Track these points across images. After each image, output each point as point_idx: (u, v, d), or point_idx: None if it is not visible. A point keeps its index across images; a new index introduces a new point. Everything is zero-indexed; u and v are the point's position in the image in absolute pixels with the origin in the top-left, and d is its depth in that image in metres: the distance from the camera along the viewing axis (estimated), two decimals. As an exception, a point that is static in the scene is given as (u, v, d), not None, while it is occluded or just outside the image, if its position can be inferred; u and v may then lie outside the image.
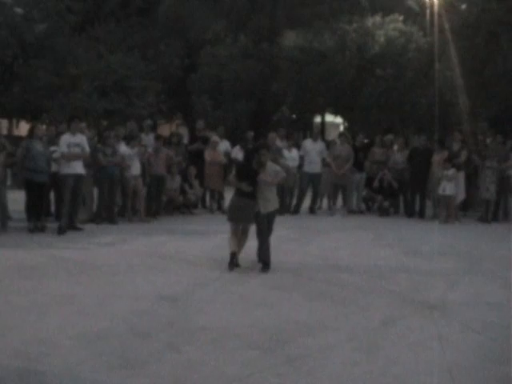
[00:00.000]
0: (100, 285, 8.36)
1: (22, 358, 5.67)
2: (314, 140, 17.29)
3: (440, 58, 22.87)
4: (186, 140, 17.73)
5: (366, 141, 19.37)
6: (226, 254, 9.51)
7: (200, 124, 18.02)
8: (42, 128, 13.74)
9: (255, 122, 26.49)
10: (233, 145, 17.10)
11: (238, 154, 16.17)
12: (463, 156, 15.87)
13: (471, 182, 16.26)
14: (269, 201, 9.57)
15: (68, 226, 12.49)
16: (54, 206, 13.84)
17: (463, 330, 6.82)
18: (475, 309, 7.67)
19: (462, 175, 15.71)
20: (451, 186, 15.19)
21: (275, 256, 9.75)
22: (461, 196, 15.74)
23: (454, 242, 12.64)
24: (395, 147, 17.27)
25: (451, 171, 15.20)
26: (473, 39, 21.31)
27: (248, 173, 9.51)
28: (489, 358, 5.95)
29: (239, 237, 9.64)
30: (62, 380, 5.24)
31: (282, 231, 12.58)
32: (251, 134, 17.01)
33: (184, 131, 18.34)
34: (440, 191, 15.29)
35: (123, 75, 25.04)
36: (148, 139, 15.73)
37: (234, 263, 9.36)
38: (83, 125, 14.34)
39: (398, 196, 16.81)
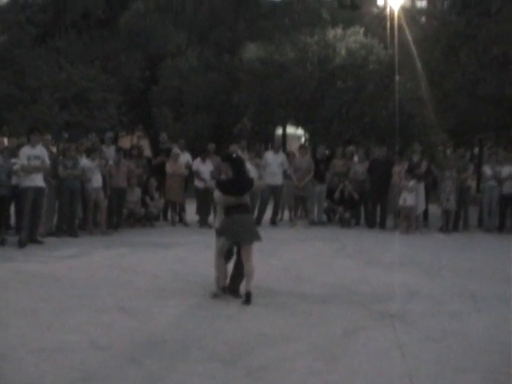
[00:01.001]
0: (61, 298, 8.29)
1: (-20, 373, 5.60)
2: (276, 152, 17.34)
3: (400, 70, 23.13)
4: (147, 152, 17.70)
5: (327, 152, 19.50)
6: (186, 267, 9.51)
7: (163, 137, 18.01)
8: (3, 140, 13.60)
9: (216, 133, 26.51)
10: (194, 157, 17.08)
11: (199, 166, 16.15)
12: (423, 167, 16.05)
13: (429, 192, 16.47)
14: None
15: (28, 239, 12.35)
16: (14, 219, 13.69)
17: (423, 339, 6.88)
18: (435, 318, 7.75)
19: (422, 186, 15.87)
20: (412, 196, 15.35)
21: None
22: (421, 206, 15.90)
23: (415, 252, 12.76)
24: (356, 159, 17.40)
25: (411, 182, 15.36)
26: (432, 52, 21.63)
27: (244, 184, 8.44)
28: (449, 367, 6.01)
29: (241, 264, 8.42)
30: (22, 395, 5.19)
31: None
32: (212, 145, 17.01)
33: (145, 143, 18.34)
34: (401, 202, 15.44)
35: (84, 87, 24.92)
36: (109, 151, 15.66)
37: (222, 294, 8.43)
38: (48, 137, 14.23)
39: (359, 207, 16.92)
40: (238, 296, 8.34)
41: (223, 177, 8.60)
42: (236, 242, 8.41)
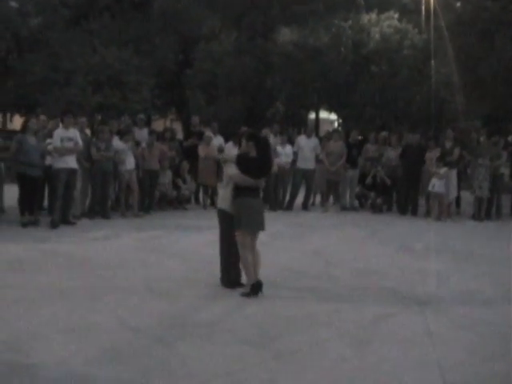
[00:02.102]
0: (91, 279, 8.33)
1: (12, 351, 5.66)
2: (308, 136, 17.28)
3: (435, 56, 22.88)
4: (179, 135, 17.71)
5: (359, 137, 19.38)
6: (216, 250, 9.50)
7: (195, 120, 18.01)
8: (39, 121, 13.65)
9: (249, 117, 26.48)
10: (226, 140, 17.07)
11: (231, 150, 16.12)
12: (455, 154, 15.87)
13: (462, 179, 16.30)
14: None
15: (61, 220, 12.45)
16: (47, 200, 13.80)
17: (453, 326, 6.82)
18: (465, 306, 7.67)
19: (454, 173, 15.71)
20: (441, 183, 15.18)
21: (267, 252, 9.73)
22: (453, 193, 15.74)
23: (446, 239, 12.66)
24: (389, 144, 17.28)
25: (443, 169, 15.19)
26: (467, 37, 21.35)
27: (267, 166, 8.00)
28: (479, 355, 5.96)
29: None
30: (53, 373, 5.22)
31: (275, 227, 12.56)
32: (245, 129, 16.92)
33: (178, 126, 18.35)
34: (430, 188, 15.29)
35: (118, 70, 24.99)
36: (141, 134, 15.69)
37: (257, 292, 7.74)
38: (83, 120, 14.29)
39: (391, 193, 16.83)
40: (234, 285, 8.01)
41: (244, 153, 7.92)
42: (256, 230, 7.87)
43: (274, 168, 8.84)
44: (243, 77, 27.08)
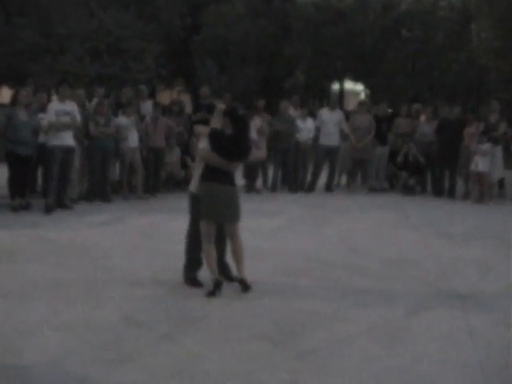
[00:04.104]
0: (90, 269, 8.35)
1: (1, 350, 5.66)
2: (332, 109, 17.16)
3: (475, 17, 22.66)
4: (188, 109, 17.67)
5: (389, 110, 19.27)
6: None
7: (204, 90, 17.94)
8: (28, 94, 13.61)
9: (266, 88, 26.44)
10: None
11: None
12: (501, 128, 15.71)
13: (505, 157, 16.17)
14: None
15: (56, 203, 12.47)
16: (40, 182, 13.82)
17: (497, 323, 6.78)
18: (510, 300, 7.63)
19: (499, 150, 15.58)
20: (485, 161, 15.08)
21: (286, 238, 9.73)
22: (498, 174, 15.62)
23: (488, 224, 12.59)
24: (422, 118, 17.17)
25: (486, 145, 15.09)
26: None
27: (243, 150, 7.63)
28: (526, 354, 5.92)
29: (229, 248, 7.88)
30: (48, 375, 5.23)
31: (295, 211, 12.57)
32: (262, 101, 16.91)
33: (186, 99, 18.32)
34: (472, 167, 15.20)
35: (118, 36, 24.98)
36: (145, 107, 15.67)
37: (219, 290, 7.43)
38: (81, 92, 14.27)
39: (424, 172, 16.74)
40: (198, 285, 7.75)
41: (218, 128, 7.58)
42: (220, 223, 7.67)
43: (258, 154, 8.38)
44: (259, 43, 27.02)
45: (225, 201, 7.52)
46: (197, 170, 7.82)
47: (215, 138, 7.49)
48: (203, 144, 7.65)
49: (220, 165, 7.46)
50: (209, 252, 7.52)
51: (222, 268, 7.90)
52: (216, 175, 7.47)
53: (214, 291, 7.33)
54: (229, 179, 7.58)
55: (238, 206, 7.69)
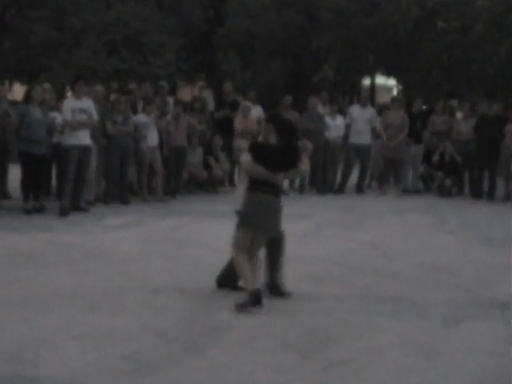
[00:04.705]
0: (109, 275, 8.40)
1: (16, 361, 5.68)
2: (363, 106, 17.17)
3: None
4: (210, 106, 17.72)
5: (424, 107, 19.23)
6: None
7: (228, 86, 18.00)
8: (43, 90, 13.67)
9: (293, 84, 26.43)
10: (266, 111, 17.05)
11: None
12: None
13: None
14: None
15: (72, 206, 12.54)
16: (55, 183, 13.91)
17: (540, 332, 6.76)
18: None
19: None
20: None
21: (314, 243, 9.73)
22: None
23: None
24: (459, 115, 17.11)
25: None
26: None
27: (289, 160, 7.45)
28: None
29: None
30: (65, 386, 5.28)
31: (324, 213, 12.57)
32: (289, 98, 16.91)
33: (208, 95, 18.34)
34: (514, 167, 15.14)
35: (136, 28, 25.04)
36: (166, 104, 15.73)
37: (259, 302, 7.21)
38: (100, 88, 14.32)
39: (462, 173, 16.68)
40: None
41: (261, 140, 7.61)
42: (258, 234, 7.51)
43: (303, 167, 8.28)
44: (285, 36, 27.00)
45: (268, 212, 7.40)
46: (241, 187, 7.75)
47: (257, 150, 7.41)
48: (246, 157, 7.47)
49: (265, 176, 7.31)
50: (243, 262, 7.38)
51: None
52: (261, 185, 7.34)
53: (253, 302, 7.15)
54: (274, 190, 7.44)
55: (280, 219, 7.57)
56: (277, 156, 7.32)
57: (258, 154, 7.33)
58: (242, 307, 7.12)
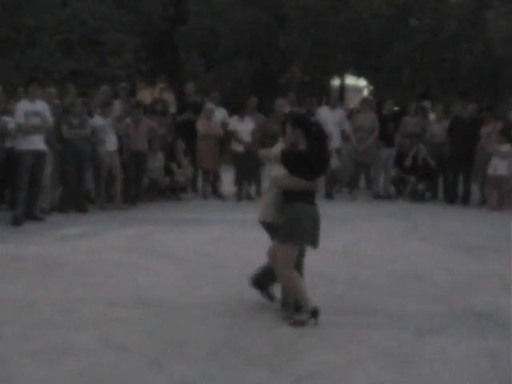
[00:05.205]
0: (65, 288, 8.35)
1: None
2: (332, 108, 17.20)
3: (491, 4, 22.70)
4: (172, 108, 17.69)
5: (396, 108, 19.33)
6: (221, 249, 9.48)
7: (190, 88, 17.98)
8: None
9: (258, 85, 26.43)
10: (231, 113, 17.05)
11: (237, 125, 16.11)
12: (524, 127, 15.73)
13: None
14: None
15: (25, 215, 12.46)
16: (7, 191, 13.80)
17: (519, 343, 6.81)
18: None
19: (520, 152, 15.61)
20: (505, 164, 15.10)
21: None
22: (518, 178, 15.66)
23: (508, 234, 12.60)
24: (433, 116, 17.21)
25: (506, 146, 15.12)
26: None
27: (324, 163, 7.40)
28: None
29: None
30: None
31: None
32: (255, 99, 16.95)
33: (170, 97, 18.30)
34: (490, 171, 15.22)
35: (93, 27, 24.92)
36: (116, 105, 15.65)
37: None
38: (53, 90, 14.25)
39: (435, 177, 16.77)
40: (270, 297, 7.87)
41: (286, 147, 7.34)
42: (307, 246, 7.52)
43: (334, 163, 8.17)
44: (250, 34, 27.01)
45: (314, 222, 7.35)
46: (268, 196, 7.64)
47: (291, 159, 7.20)
48: (276, 169, 7.28)
49: (303, 186, 7.17)
50: (297, 279, 7.28)
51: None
52: (301, 195, 7.19)
53: (312, 317, 7.15)
54: (313, 198, 7.37)
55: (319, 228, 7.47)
56: (313, 163, 7.18)
57: (293, 164, 7.16)
58: (300, 324, 7.13)
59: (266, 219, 7.58)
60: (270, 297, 7.86)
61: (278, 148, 7.45)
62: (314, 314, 7.16)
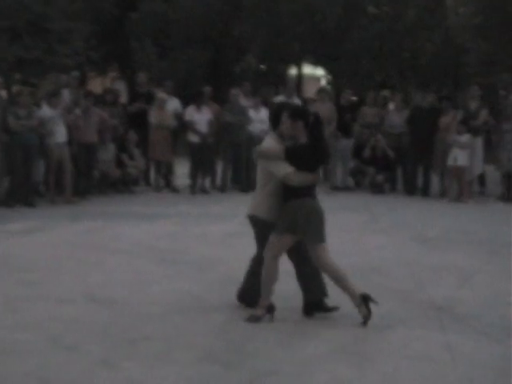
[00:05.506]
0: (12, 285, 8.28)
1: None
2: (288, 97, 17.21)
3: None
4: (123, 98, 17.60)
5: (354, 98, 19.37)
6: (175, 244, 9.44)
7: (142, 77, 17.90)
8: None
9: (213, 74, 26.38)
10: (184, 103, 16.99)
11: (193, 115, 16.01)
12: (482, 117, 15.82)
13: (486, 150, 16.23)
14: None
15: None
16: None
17: (479, 337, 6.86)
18: (494, 311, 7.70)
19: (479, 142, 15.71)
20: (465, 155, 15.21)
21: (238, 246, 9.72)
22: (478, 168, 15.76)
23: (468, 226, 12.71)
24: (392, 106, 17.27)
25: (465, 137, 15.21)
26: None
27: (325, 154, 7.59)
28: None
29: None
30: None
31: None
32: (208, 89, 16.92)
33: (121, 87, 18.21)
34: (450, 162, 15.31)
35: (40, 13, 24.64)
36: (64, 94, 15.54)
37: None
38: None
39: (394, 168, 16.85)
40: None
41: (289, 142, 7.25)
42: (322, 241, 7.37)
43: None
44: (205, 22, 26.93)
45: (322, 218, 7.32)
46: (262, 193, 7.45)
47: (297, 154, 7.14)
48: (278, 166, 7.13)
49: (313, 181, 7.25)
50: (274, 274, 7.37)
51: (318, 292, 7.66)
52: (306, 190, 7.18)
53: (262, 316, 7.18)
54: (315, 192, 7.38)
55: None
56: (317, 155, 7.22)
57: (300, 159, 7.11)
58: (255, 320, 7.13)
59: (260, 215, 7.45)
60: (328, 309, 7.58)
61: (268, 143, 7.34)
62: (270, 309, 7.21)
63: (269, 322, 7.09)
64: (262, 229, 7.51)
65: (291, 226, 7.13)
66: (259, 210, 7.46)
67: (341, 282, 7.31)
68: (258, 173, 7.52)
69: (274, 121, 7.46)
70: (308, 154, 7.15)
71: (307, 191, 7.18)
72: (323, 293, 7.50)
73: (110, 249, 10.29)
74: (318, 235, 7.26)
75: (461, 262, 9.93)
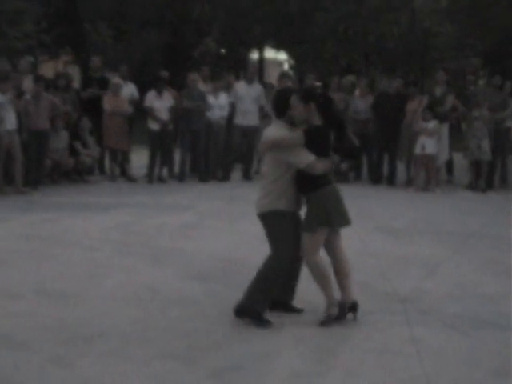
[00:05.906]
0: (-40, 279, 8.24)
1: None
2: (249, 82, 17.18)
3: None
4: (76, 83, 17.51)
5: (317, 83, 19.39)
6: (131, 235, 9.41)
7: (96, 61, 17.81)
8: None
9: (170, 58, 26.33)
10: (140, 89, 16.93)
11: (153, 101, 15.88)
12: (449, 103, 15.88)
13: (454, 137, 16.33)
14: None
15: None
16: None
17: (446, 330, 6.92)
18: (461, 303, 7.77)
19: (446, 128, 15.78)
20: (432, 142, 15.27)
21: (197, 237, 9.73)
22: (444, 156, 15.84)
23: (435, 216, 12.79)
24: (356, 92, 17.31)
25: (432, 123, 15.29)
26: None
27: (343, 140, 7.53)
28: (481, 369, 6.02)
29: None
30: None
31: (207, 204, 12.57)
32: (165, 73, 16.87)
33: (74, 71, 18.13)
34: (417, 149, 15.37)
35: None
36: (25, 81, 15.45)
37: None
38: None
39: (359, 156, 16.89)
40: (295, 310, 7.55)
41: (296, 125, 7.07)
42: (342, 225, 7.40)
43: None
44: (162, 3, 26.85)
45: (341, 200, 7.37)
46: (276, 187, 7.16)
47: (318, 138, 7.11)
48: (302, 157, 7.00)
49: (332, 166, 7.26)
50: (322, 268, 7.21)
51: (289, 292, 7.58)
52: (328, 176, 7.21)
53: (339, 316, 7.08)
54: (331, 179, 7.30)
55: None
56: (336, 137, 7.26)
57: (320, 143, 7.11)
58: (325, 324, 7.02)
59: (279, 208, 7.18)
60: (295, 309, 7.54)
61: (277, 132, 7.10)
62: (353, 308, 7.16)
63: (229, 317, 7.08)
64: (281, 222, 7.24)
65: (324, 219, 7.10)
66: (278, 204, 7.18)
67: (320, 277, 7.22)
68: (268, 166, 7.28)
69: (281, 107, 7.25)
70: (327, 135, 7.15)
71: (329, 178, 7.22)
72: (291, 297, 7.51)
73: (62, 241, 10.25)
74: (347, 217, 7.38)
75: (427, 252, 10.00)
